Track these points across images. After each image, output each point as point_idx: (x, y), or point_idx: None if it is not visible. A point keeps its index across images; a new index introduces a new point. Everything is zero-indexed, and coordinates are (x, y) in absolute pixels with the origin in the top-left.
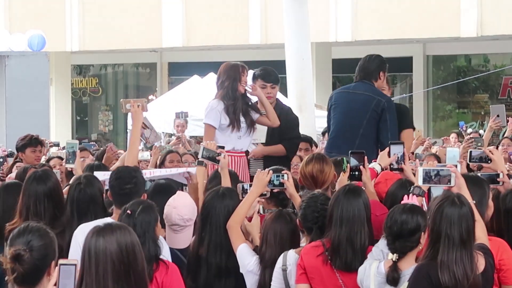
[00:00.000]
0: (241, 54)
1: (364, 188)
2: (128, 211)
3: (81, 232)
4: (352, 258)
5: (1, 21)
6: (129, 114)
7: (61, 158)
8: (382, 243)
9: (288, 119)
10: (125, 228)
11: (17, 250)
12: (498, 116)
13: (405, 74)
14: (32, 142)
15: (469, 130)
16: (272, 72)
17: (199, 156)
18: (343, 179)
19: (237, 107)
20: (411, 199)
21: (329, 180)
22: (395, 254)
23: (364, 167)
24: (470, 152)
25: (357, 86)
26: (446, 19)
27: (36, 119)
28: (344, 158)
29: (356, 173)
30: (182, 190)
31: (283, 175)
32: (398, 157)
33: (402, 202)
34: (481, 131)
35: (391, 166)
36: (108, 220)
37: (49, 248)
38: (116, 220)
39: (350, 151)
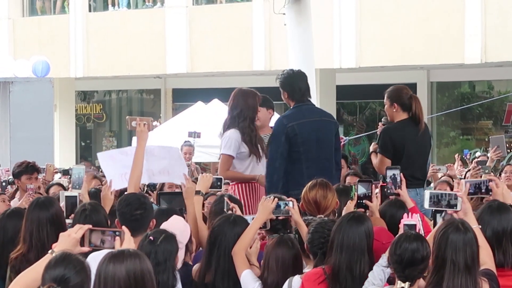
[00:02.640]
0: (245, 80)
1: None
2: (151, 238)
3: (93, 260)
4: (352, 286)
5: (5, 47)
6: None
7: (62, 185)
8: (383, 262)
9: None
10: (138, 256)
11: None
12: (498, 147)
13: None
14: (27, 169)
15: (478, 154)
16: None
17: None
18: (349, 207)
19: (253, 137)
20: (410, 218)
21: (331, 206)
22: (407, 283)
23: (371, 195)
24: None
25: (311, 110)
26: (450, 45)
27: (40, 145)
28: (353, 186)
29: (364, 201)
30: (183, 215)
31: (288, 202)
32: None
33: (402, 220)
34: (489, 154)
35: (387, 191)
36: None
37: (85, 285)
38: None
39: (358, 180)
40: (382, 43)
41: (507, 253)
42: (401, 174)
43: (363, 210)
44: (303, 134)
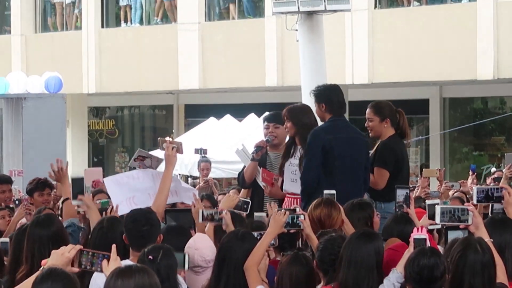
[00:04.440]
0: (258, 96)
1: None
2: (150, 257)
3: (100, 275)
4: None
5: (18, 64)
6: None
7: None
8: (393, 277)
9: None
10: (145, 271)
11: None
12: None
13: (421, 116)
14: (38, 186)
15: (493, 170)
16: (275, 114)
17: (199, 219)
18: (376, 221)
19: None
20: (420, 232)
21: (336, 225)
22: None
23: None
24: (476, 189)
25: (346, 126)
26: (463, 61)
27: (53, 160)
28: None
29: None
30: (195, 231)
31: (299, 216)
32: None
33: (412, 234)
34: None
35: (398, 210)
36: (128, 262)
37: None
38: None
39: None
40: (395, 59)
41: (508, 266)
42: (411, 193)
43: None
44: (339, 149)
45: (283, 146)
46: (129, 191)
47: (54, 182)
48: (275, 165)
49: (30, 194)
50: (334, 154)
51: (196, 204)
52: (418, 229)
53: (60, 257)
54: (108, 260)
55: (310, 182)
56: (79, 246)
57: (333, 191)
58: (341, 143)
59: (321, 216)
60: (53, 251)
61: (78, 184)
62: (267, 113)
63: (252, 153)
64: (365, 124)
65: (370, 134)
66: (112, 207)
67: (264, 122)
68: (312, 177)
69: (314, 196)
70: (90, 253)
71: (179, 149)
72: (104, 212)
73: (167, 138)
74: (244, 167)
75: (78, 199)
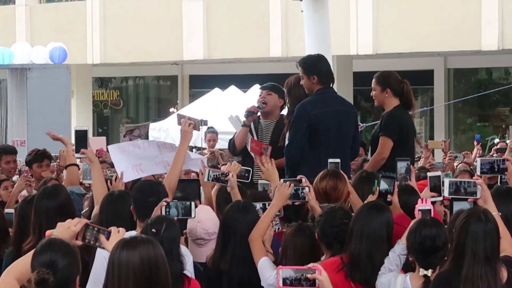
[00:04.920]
0: (262, 67)
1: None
2: (153, 230)
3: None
4: (372, 274)
5: (22, 34)
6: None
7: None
8: (398, 248)
9: None
10: (150, 242)
11: (41, 274)
12: None
13: (426, 87)
14: (37, 157)
15: (496, 140)
16: (271, 83)
17: (205, 178)
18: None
19: None
20: (424, 203)
21: (342, 197)
22: (429, 270)
23: (393, 191)
24: (480, 161)
25: (333, 98)
26: (467, 32)
27: (57, 131)
28: (375, 180)
29: (387, 197)
30: (200, 202)
31: (304, 187)
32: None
33: (417, 206)
34: (507, 141)
35: (400, 182)
36: (133, 233)
37: (74, 267)
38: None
39: (380, 175)
40: (399, 30)
41: None
42: (411, 165)
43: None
44: (325, 123)
45: (276, 115)
46: (135, 158)
47: (54, 154)
48: (265, 133)
49: (29, 166)
50: (320, 129)
51: (204, 172)
52: (422, 199)
53: (66, 230)
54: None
55: (293, 157)
56: (85, 220)
57: (338, 160)
58: (328, 116)
59: (326, 188)
60: (58, 224)
61: (81, 136)
62: None
63: (244, 117)
64: (370, 93)
65: (375, 104)
66: (117, 176)
67: (259, 90)
68: (295, 152)
69: (299, 170)
70: (96, 229)
71: (196, 125)
72: (109, 181)
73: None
74: (235, 133)
75: (80, 153)
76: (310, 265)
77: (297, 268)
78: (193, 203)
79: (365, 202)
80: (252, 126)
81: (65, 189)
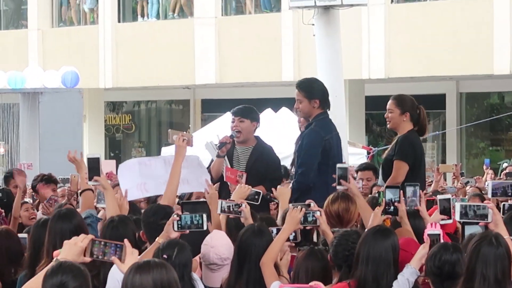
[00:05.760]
0: (274, 91)
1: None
2: (165, 256)
3: (117, 271)
4: None
5: (35, 58)
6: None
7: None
8: (407, 272)
9: (269, 160)
10: (163, 266)
11: None
12: None
13: (438, 111)
14: (43, 182)
15: (505, 165)
16: (243, 107)
17: (218, 210)
18: (377, 213)
19: None
20: (434, 228)
21: (354, 218)
22: None
23: (400, 202)
24: (491, 184)
25: (332, 123)
26: (479, 56)
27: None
28: (381, 192)
29: (391, 208)
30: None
31: (315, 212)
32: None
33: (426, 230)
34: None
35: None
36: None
37: None
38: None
39: (386, 185)
40: (411, 54)
41: None
42: (420, 190)
43: (390, 216)
44: (335, 148)
45: (252, 141)
46: (140, 177)
47: (60, 177)
48: (242, 159)
49: (35, 190)
50: (331, 154)
51: (209, 190)
52: (431, 224)
53: (73, 247)
54: (121, 250)
55: (308, 184)
56: (91, 236)
57: (346, 165)
58: (335, 141)
59: (339, 211)
60: (65, 242)
61: (94, 164)
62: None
63: (217, 149)
64: (385, 115)
65: (388, 126)
66: (121, 194)
67: (231, 116)
68: (312, 180)
69: (307, 194)
70: (102, 243)
71: (189, 141)
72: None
73: (179, 133)
74: (212, 161)
75: (93, 180)
76: (312, 283)
77: (298, 286)
78: (204, 215)
79: (372, 214)
80: (227, 153)
81: (78, 212)
